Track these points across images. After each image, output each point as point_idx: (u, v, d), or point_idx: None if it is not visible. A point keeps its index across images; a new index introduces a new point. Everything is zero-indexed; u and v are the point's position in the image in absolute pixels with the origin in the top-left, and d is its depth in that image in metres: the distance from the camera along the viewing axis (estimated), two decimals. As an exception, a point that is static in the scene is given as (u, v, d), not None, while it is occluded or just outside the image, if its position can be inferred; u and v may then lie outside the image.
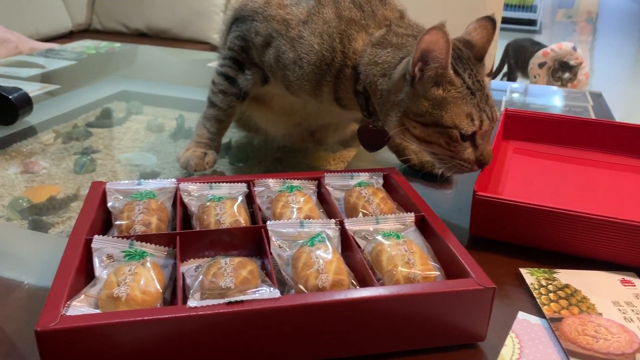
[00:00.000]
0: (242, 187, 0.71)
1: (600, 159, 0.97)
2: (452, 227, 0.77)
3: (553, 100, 1.39)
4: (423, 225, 0.64)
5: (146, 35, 2.84)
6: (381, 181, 0.75)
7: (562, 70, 3.20)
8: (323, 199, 0.71)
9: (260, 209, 0.68)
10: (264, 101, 0.95)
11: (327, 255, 0.55)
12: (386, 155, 0.98)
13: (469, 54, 0.73)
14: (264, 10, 0.83)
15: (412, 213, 0.65)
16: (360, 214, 0.66)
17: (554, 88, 1.57)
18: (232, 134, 1.09)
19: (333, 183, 0.73)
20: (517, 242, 0.71)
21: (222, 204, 0.66)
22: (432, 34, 0.65)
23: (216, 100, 0.90)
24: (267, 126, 0.99)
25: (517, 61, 3.50)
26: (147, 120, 1.21)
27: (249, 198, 0.70)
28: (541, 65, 3.23)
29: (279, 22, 0.81)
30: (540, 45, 3.38)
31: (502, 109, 1.30)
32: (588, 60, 4.85)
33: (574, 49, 3.15)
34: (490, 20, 0.76)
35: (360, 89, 0.78)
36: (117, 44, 1.88)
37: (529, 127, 1.03)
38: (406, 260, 0.56)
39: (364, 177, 0.74)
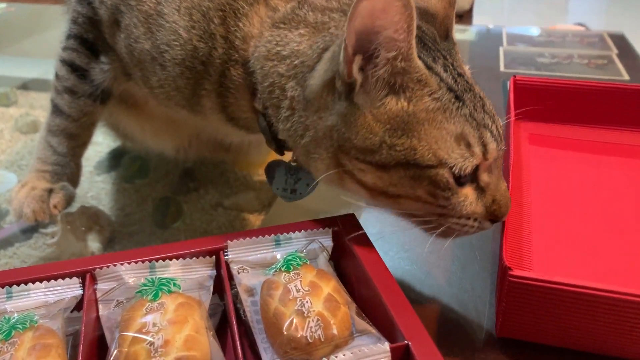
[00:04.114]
0: (71, 289, 0.38)
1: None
2: (458, 320, 0.45)
3: (566, 47, 1.06)
4: (407, 363, 0.33)
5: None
6: (330, 245, 0.43)
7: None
8: (224, 292, 0.40)
9: (102, 330, 0.37)
10: (135, 103, 0.60)
11: None
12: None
13: (433, 34, 0.43)
14: None
15: (387, 344, 0.33)
16: (289, 336, 0.35)
17: (566, 29, 1.21)
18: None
19: (243, 258, 0.41)
20: (573, 347, 0.41)
21: (13, 344, 0.33)
22: None
23: (62, 104, 0.56)
24: (144, 138, 0.65)
25: None
26: (18, 115, 0.92)
27: (91, 304, 0.38)
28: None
29: None
30: None
31: (502, 66, 0.96)
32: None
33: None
34: None
35: (259, 107, 0.45)
36: (2, 5, 1.48)
37: (547, 100, 0.71)
38: None
39: (297, 242, 0.42)
